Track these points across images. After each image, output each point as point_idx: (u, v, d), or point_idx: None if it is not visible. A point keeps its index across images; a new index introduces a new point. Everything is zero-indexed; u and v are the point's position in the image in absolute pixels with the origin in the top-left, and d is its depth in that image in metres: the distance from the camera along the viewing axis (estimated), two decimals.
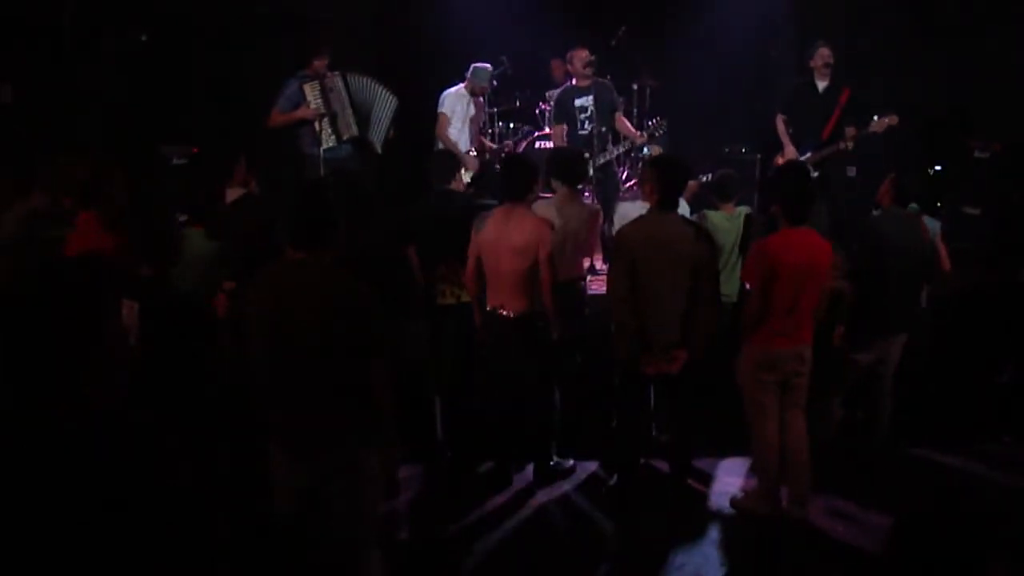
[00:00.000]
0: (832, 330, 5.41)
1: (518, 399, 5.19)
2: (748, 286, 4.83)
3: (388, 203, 7.71)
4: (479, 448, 5.54)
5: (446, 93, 7.78)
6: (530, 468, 5.41)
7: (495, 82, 8.30)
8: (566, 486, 5.34)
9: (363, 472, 3.42)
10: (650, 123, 7.49)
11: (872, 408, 5.57)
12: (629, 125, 7.53)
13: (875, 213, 5.53)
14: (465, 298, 5.35)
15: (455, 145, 7.64)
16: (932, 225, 5.90)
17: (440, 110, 7.74)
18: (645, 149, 8.03)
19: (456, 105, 7.75)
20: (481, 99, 8.07)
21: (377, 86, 7.31)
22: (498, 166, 8.69)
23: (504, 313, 5.00)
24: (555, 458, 5.42)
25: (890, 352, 5.43)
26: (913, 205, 5.79)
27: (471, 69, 7.78)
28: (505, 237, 4.91)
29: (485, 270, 5.05)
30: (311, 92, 7.06)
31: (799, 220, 4.73)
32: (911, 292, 5.30)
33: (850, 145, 7.06)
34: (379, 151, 7.42)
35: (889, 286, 5.22)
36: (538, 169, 5.24)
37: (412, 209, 5.71)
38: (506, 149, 8.70)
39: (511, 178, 5.08)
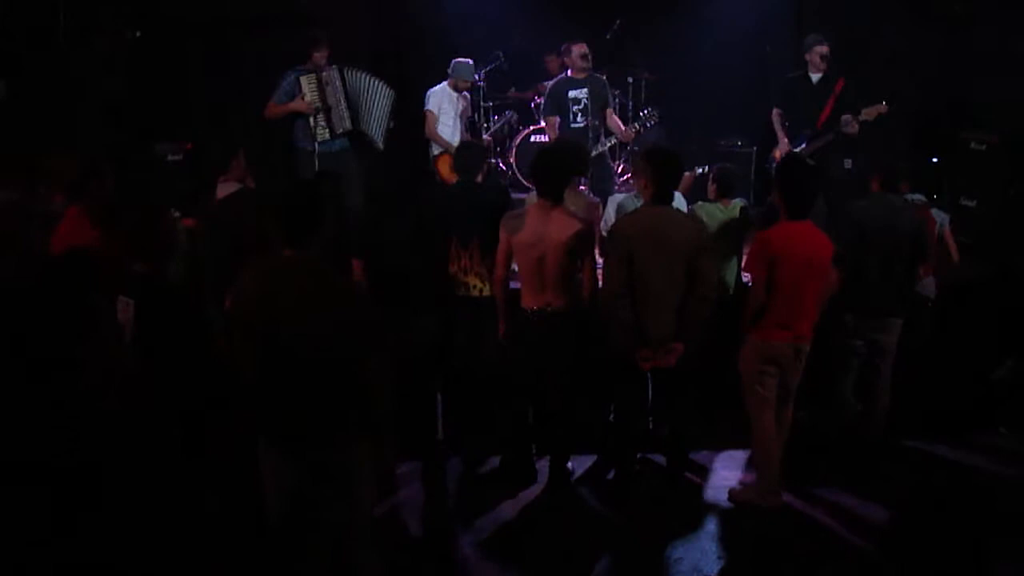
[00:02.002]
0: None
1: (565, 395, 5.10)
2: (749, 278, 4.82)
3: (388, 198, 7.73)
4: (488, 444, 5.53)
5: (431, 91, 7.80)
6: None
7: (478, 77, 8.31)
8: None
9: (355, 470, 3.41)
10: (642, 113, 7.49)
11: (870, 400, 5.57)
12: (618, 121, 7.52)
13: (861, 200, 5.51)
14: (488, 292, 5.34)
15: (447, 142, 7.64)
16: (940, 217, 5.94)
17: (426, 108, 7.75)
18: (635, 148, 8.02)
19: (442, 102, 7.75)
20: (467, 94, 8.05)
21: (373, 80, 7.29)
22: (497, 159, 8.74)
23: (551, 309, 4.90)
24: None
25: (883, 339, 5.37)
26: (919, 196, 5.78)
27: (452, 65, 7.78)
28: (549, 235, 4.79)
29: (521, 269, 4.95)
30: (307, 85, 7.06)
31: (801, 214, 4.74)
32: (898, 276, 5.27)
33: (856, 128, 7.03)
34: (381, 146, 7.40)
35: (870, 270, 5.22)
36: (575, 161, 5.19)
37: (430, 200, 5.67)
38: (487, 139, 8.69)
39: (550, 178, 4.89)
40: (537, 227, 4.83)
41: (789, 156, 6.95)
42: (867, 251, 5.20)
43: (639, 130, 7.40)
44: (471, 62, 7.89)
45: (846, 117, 7.05)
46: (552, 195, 4.88)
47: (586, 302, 4.97)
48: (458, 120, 7.81)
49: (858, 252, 5.19)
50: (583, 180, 7.12)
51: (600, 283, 5.05)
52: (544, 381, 5.05)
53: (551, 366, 4.99)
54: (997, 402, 6.06)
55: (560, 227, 4.81)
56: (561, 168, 4.96)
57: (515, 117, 8.96)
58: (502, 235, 4.97)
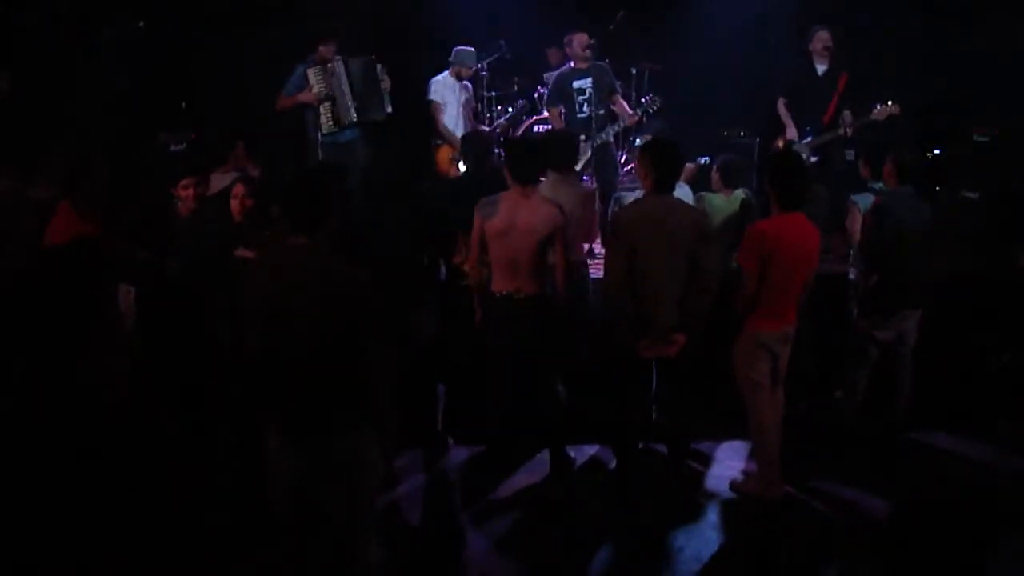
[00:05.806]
0: (844, 314, 5.51)
1: (537, 383, 5.13)
2: (742, 269, 4.85)
3: (390, 188, 7.72)
4: (484, 435, 5.53)
5: (433, 80, 7.78)
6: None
7: (482, 67, 8.28)
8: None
9: (359, 459, 3.41)
10: (643, 100, 7.49)
11: (895, 389, 5.59)
12: (625, 106, 7.52)
13: (882, 194, 5.54)
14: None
15: (451, 133, 7.63)
16: (863, 201, 5.81)
17: (429, 98, 7.73)
18: (637, 140, 8.01)
19: (445, 92, 7.73)
20: (468, 83, 8.03)
21: (371, 65, 7.27)
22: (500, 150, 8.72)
23: (521, 296, 4.93)
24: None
25: (906, 328, 5.47)
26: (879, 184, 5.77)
27: (453, 53, 7.76)
28: (521, 221, 4.84)
29: (494, 255, 4.99)
30: (314, 77, 7.11)
31: (793, 206, 4.76)
32: (924, 268, 5.37)
33: (849, 131, 7.10)
34: (383, 114, 7.38)
35: (904, 264, 5.30)
36: (544, 150, 5.22)
37: (434, 192, 5.66)
38: (499, 130, 8.68)
39: (519, 161, 4.96)
40: (510, 213, 4.88)
41: (782, 149, 7.00)
42: (899, 244, 5.28)
43: (642, 117, 7.39)
44: (472, 49, 7.85)
45: (846, 115, 7.09)
46: (523, 179, 4.92)
47: (561, 288, 5.00)
48: (461, 110, 7.79)
49: (890, 249, 5.29)
50: (587, 170, 7.15)
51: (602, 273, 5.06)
52: (520, 367, 5.07)
53: (525, 352, 5.02)
54: (996, 395, 6.06)
55: (531, 212, 4.86)
56: (530, 152, 5.03)
57: (527, 105, 8.93)
58: (476, 221, 5.01)
